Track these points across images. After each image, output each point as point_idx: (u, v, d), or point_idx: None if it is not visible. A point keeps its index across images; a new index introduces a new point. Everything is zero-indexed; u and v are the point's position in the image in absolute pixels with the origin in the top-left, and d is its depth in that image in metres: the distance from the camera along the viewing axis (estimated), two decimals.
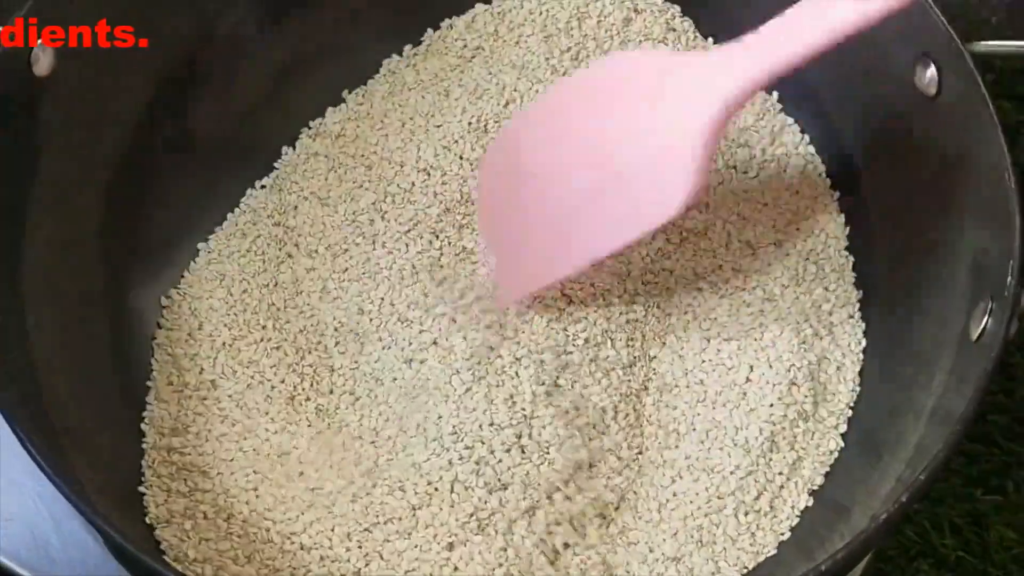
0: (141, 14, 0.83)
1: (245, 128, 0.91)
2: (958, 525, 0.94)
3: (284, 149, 0.91)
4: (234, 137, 0.90)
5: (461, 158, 0.87)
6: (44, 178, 0.78)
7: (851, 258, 0.86)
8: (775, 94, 0.91)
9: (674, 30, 0.93)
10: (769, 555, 0.77)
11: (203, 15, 0.88)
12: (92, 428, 0.76)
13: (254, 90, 0.91)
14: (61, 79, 0.78)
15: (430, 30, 0.94)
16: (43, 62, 0.77)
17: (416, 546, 0.76)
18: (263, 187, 0.90)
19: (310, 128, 0.92)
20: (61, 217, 0.80)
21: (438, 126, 0.89)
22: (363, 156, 0.90)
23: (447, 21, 0.94)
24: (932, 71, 0.79)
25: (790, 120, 0.91)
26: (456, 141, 0.88)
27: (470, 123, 0.88)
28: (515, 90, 0.89)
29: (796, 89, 0.90)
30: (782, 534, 0.77)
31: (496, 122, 0.88)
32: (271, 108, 0.92)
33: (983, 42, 0.79)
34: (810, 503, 0.78)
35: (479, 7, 0.94)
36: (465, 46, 0.93)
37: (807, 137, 0.90)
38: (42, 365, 0.74)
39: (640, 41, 0.92)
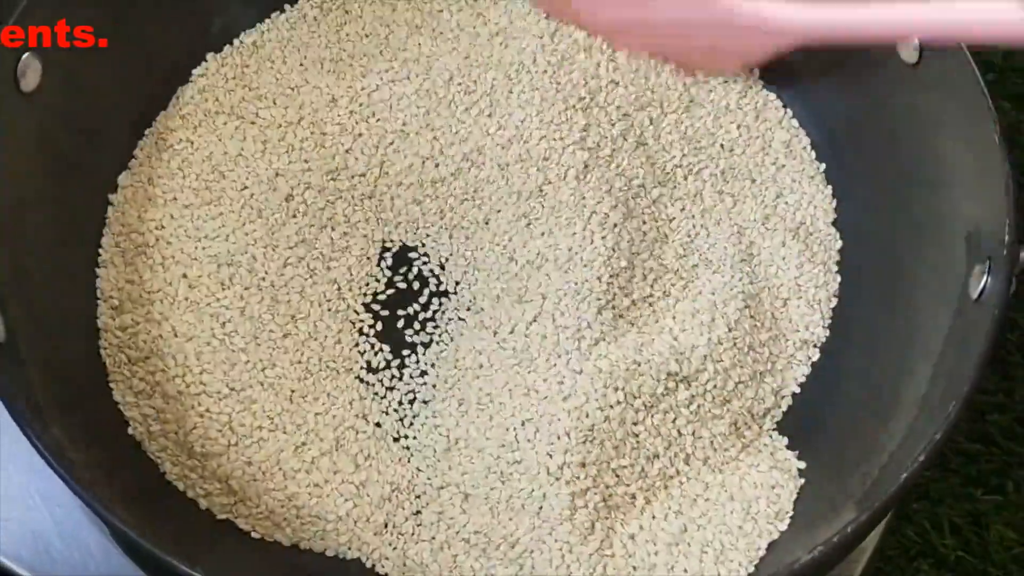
0: (140, 24, 0.85)
1: None
2: (958, 525, 0.94)
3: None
4: None
5: None
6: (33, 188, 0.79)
7: (838, 233, 0.87)
8: (756, 71, 0.92)
9: None
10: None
11: (197, 25, 0.90)
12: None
13: None
14: (48, 90, 0.78)
15: None
16: (29, 77, 0.77)
17: None
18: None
19: None
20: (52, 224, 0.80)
21: None
22: None
23: None
24: None
25: (772, 95, 0.92)
26: None
27: None
28: None
29: (777, 63, 0.90)
30: None
31: None
32: None
33: None
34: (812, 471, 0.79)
35: None
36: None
37: (790, 111, 0.91)
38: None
39: None
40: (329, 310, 0.83)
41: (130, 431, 0.78)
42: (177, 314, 0.81)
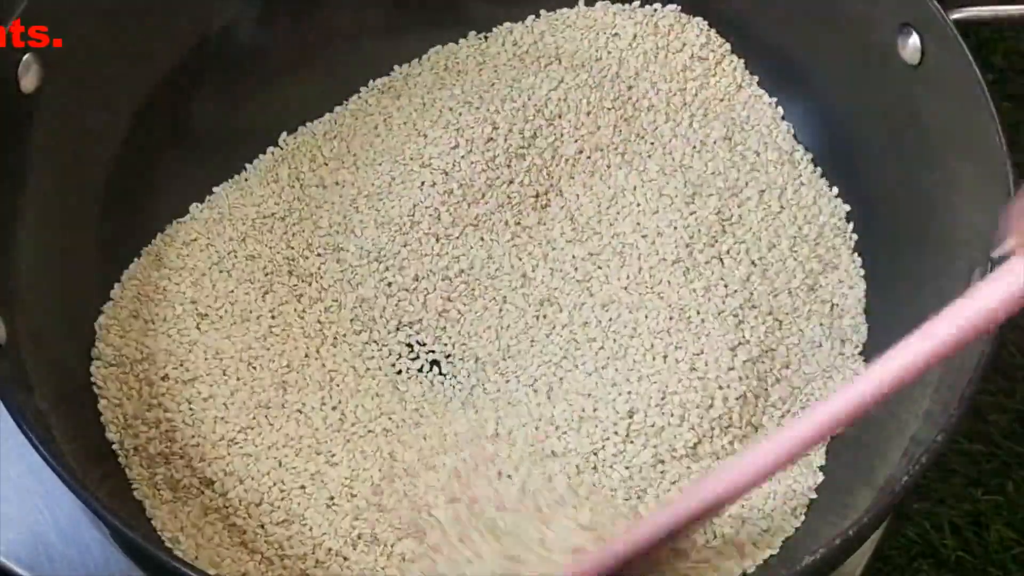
0: (139, 20, 0.84)
1: (238, 133, 0.91)
2: (958, 525, 0.94)
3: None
4: (227, 140, 0.90)
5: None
6: (34, 188, 0.78)
7: (852, 231, 0.87)
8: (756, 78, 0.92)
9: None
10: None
11: (197, 25, 0.89)
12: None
13: (244, 98, 0.91)
14: (49, 91, 0.78)
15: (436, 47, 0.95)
16: (30, 78, 0.77)
17: None
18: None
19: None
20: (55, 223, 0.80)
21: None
22: None
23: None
24: (915, 39, 0.79)
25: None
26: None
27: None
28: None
29: (778, 66, 0.91)
30: None
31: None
32: (261, 114, 0.91)
33: (964, 8, 0.78)
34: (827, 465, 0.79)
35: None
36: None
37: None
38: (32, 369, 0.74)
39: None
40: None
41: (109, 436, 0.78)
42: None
